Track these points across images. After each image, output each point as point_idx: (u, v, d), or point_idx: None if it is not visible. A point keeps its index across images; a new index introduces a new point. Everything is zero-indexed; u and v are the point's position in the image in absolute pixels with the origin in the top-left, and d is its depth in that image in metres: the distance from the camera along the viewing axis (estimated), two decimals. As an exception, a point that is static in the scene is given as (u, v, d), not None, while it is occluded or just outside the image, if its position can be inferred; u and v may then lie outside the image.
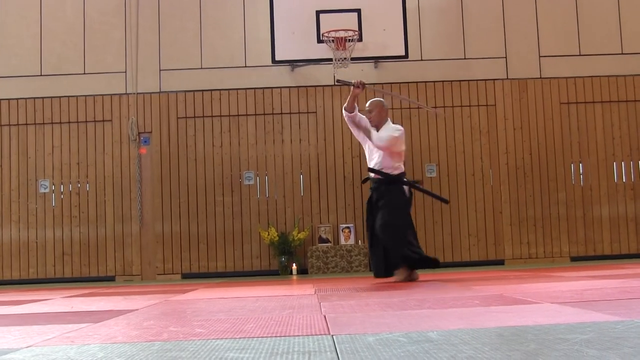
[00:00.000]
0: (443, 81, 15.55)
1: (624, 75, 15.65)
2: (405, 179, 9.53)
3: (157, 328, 4.61)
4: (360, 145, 15.11)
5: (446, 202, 10.62)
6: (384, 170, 9.42)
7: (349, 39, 14.36)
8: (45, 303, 7.91)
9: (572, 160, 15.56)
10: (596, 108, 15.64)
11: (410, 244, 9.27)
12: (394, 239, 9.21)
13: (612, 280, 7.77)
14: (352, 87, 9.48)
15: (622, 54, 15.73)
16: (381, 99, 9.82)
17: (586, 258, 15.25)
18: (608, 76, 15.66)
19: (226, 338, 3.91)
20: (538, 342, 3.29)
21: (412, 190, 9.66)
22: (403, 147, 9.55)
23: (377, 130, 9.54)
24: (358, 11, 14.64)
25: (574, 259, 15.24)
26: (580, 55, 15.71)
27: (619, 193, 15.53)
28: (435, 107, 14.88)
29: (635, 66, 15.68)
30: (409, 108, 15.38)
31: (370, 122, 9.65)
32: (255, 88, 15.50)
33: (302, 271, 14.89)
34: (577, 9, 15.78)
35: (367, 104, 9.69)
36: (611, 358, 2.74)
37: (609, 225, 15.47)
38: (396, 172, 9.46)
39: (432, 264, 9.58)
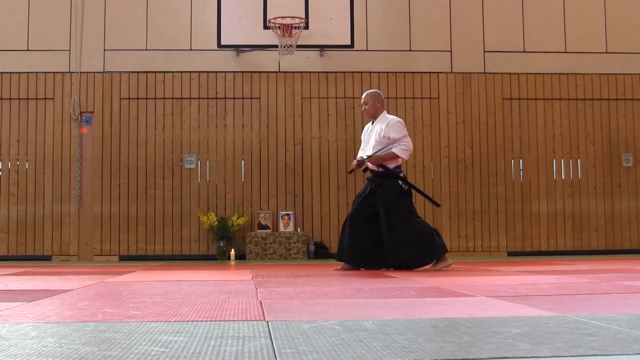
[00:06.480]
0: (387, 72, 15.57)
1: (567, 74, 15.80)
2: (401, 174, 9.71)
3: (91, 309, 4.59)
4: (302, 132, 15.25)
5: (437, 205, 10.81)
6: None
7: (296, 26, 14.33)
8: (-22, 280, 7.85)
9: (513, 155, 15.69)
10: (538, 105, 15.77)
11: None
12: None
13: (547, 275, 7.88)
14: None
15: (566, 52, 15.87)
16: (377, 90, 10.05)
17: (523, 253, 15.39)
18: (551, 74, 15.80)
19: (161, 321, 3.91)
20: (471, 334, 3.33)
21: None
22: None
23: (373, 123, 9.77)
24: (305, -1, 14.64)
25: (511, 254, 15.38)
26: (524, 51, 15.83)
27: (557, 190, 15.69)
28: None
29: (576, 65, 15.82)
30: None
31: (366, 114, 9.91)
32: (199, 72, 15.41)
33: (240, 257, 14.87)
34: (523, 6, 15.89)
35: (363, 96, 9.86)
36: (543, 352, 2.77)
37: (546, 221, 15.63)
38: (392, 165, 9.67)
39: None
